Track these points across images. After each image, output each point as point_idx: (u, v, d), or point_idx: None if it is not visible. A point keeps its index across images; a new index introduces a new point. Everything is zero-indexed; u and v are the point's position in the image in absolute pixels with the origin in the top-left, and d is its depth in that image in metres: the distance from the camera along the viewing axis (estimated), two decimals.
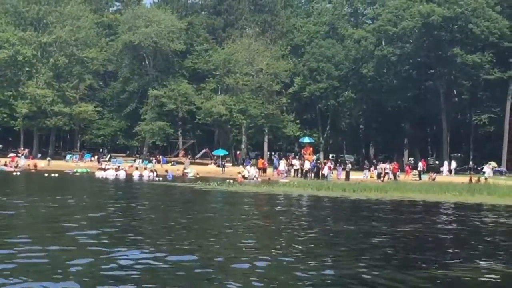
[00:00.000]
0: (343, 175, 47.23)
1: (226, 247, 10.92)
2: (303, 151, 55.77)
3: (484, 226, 16.47)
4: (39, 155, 62.13)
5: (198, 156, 68.94)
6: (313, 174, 46.54)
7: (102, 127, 70.35)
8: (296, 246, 11.48)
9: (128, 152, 77.58)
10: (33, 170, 47.41)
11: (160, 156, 64.22)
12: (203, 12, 76.15)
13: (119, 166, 46.96)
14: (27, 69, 63.29)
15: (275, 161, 54.68)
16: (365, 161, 65.02)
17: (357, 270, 9.02)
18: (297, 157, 54.45)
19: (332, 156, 72.33)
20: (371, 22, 69.18)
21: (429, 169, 55.21)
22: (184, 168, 49.76)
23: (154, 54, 67.09)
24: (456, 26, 56.78)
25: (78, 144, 72.51)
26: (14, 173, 42.33)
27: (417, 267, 9.50)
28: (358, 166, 62.22)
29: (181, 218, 16.12)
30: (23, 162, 52.17)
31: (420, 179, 46.36)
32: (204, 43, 69.73)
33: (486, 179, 41.41)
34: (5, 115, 63.63)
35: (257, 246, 11.33)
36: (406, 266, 9.61)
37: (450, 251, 11.71)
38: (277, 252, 10.46)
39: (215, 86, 66.61)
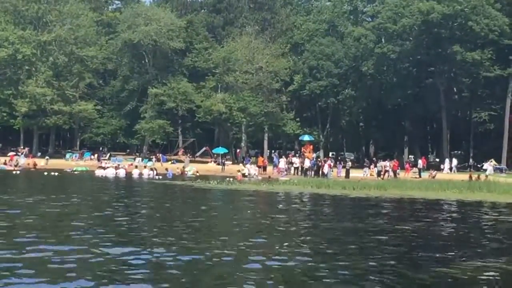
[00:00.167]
0: (343, 173, 47.23)
1: (234, 247, 10.77)
2: (303, 149, 55.76)
3: (485, 223, 16.47)
4: (39, 154, 62.13)
5: (198, 154, 68.93)
6: (313, 172, 46.56)
7: (102, 125, 70.32)
8: (304, 245, 11.45)
9: (128, 150, 77.56)
10: (32, 169, 47.42)
11: (160, 155, 64.19)
12: (202, 10, 76.13)
13: (119, 165, 46.95)
14: (26, 67, 63.25)
15: (275, 159, 54.67)
16: (365, 159, 64.99)
17: (368, 268, 9.03)
18: (297, 155, 54.45)
19: (332, 154, 72.33)
20: (370, 19, 69.16)
21: (429, 166, 55.20)
22: (184, 167, 49.75)
23: (154, 52, 67.06)
24: (456, 24, 56.73)
25: (78, 143, 72.46)
26: (14, 172, 42.32)
27: (424, 264, 9.49)
28: (358, 164, 62.19)
29: (185, 217, 16.09)
30: (23, 160, 52.14)
31: (420, 176, 46.33)
32: (203, 41, 69.67)
33: (486, 176, 41.36)
34: (4, 114, 63.56)
35: (266, 245, 11.23)
36: (415, 264, 9.60)
37: (454, 248, 11.69)
38: (287, 251, 10.42)
39: (214, 84, 66.57)
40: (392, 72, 62.81)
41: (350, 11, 71.82)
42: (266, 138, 69.98)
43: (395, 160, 52.14)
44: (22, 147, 61.50)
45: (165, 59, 68.29)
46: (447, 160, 55.42)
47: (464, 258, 10.18)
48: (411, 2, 58.82)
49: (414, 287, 8.01)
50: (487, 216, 18.52)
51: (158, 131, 65.40)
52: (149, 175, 40.63)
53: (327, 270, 8.82)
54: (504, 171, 51.76)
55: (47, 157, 56.75)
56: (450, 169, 53.62)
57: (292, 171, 47.84)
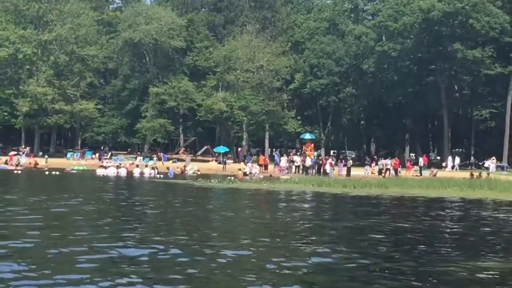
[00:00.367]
0: (344, 171, 47.20)
1: (244, 247, 10.64)
2: (304, 147, 55.78)
3: (486, 222, 16.45)
4: (40, 153, 62.18)
5: (199, 153, 68.99)
6: (314, 171, 46.57)
7: (103, 124, 70.43)
8: (314, 243, 11.40)
9: (129, 149, 77.63)
10: (33, 168, 47.48)
11: (161, 154, 64.25)
12: (203, 9, 76.12)
13: (120, 164, 46.99)
14: (27, 67, 63.33)
15: (276, 157, 54.71)
16: (366, 157, 65.06)
17: (368, 267, 9.04)
18: (298, 153, 54.48)
19: (333, 152, 72.40)
20: (371, 18, 69.11)
21: (431, 164, 55.18)
22: (185, 166, 49.80)
23: (155, 51, 67.11)
24: (457, 21, 56.71)
25: (79, 142, 72.53)
26: (15, 171, 42.34)
27: (425, 263, 9.48)
28: (360, 162, 62.20)
29: (189, 216, 16.07)
30: (24, 160, 52.17)
31: (421, 174, 46.33)
32: (204, 40, 69.70)
33: (488, 174, 41.31)
34: (6, 114, 63.74)
35: (275, 244, 11.16)
36: (415, 262, 9.58)
37: (455, 247, 11.68)
38: (297, 250, 10.40)
39: (215, 83, 66.63)
40: (393, 70, 62.83)
41: (351, 9, 71.83)
42: (267, 136, 70.03)
43: (396, 158, 52.18)
44: (23, 147, 61.60)
45: (166, 58, 68.34)
46: (449, 158, 55.36)
47: (465, 257, 10.18)
48: (411, 0, 58.81)
49: (414, 286, 8.01)
50: (488, 214, 18.51)
51: (159, 130, 65.49)
52: (150, 174, 40.63)
53: (339, 269, 8.85)
54: (505, 168, 51.76)
55: (46, 156, 56.78)
56: (453, 167, 53.58)
57: (293, 170, 47.89)
